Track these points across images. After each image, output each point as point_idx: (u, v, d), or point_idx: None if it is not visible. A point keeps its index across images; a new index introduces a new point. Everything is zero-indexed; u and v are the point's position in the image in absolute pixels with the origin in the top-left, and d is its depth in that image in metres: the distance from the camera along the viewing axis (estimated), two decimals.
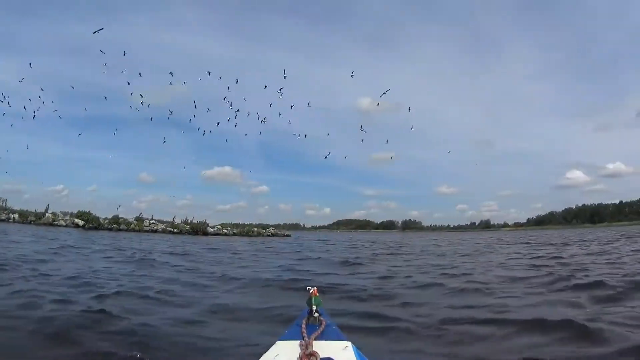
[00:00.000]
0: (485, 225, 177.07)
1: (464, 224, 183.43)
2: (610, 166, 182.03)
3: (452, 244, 31.47)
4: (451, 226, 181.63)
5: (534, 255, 15.99)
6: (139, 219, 42.52)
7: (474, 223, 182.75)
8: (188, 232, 41.42)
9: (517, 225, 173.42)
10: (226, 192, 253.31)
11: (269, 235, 49.23)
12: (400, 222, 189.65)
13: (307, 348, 1.70)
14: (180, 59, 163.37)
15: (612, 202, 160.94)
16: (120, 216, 41.69)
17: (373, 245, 29.74)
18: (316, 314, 2.16)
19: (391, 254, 19.08)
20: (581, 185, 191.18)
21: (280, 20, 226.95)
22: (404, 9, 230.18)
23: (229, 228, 47.19)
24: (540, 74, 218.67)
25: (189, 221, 45.14)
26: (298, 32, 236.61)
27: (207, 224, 45.33)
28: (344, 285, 8.01)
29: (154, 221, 43.65)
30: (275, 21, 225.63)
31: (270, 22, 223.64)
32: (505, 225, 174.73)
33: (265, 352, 1.80)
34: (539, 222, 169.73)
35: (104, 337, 4.13)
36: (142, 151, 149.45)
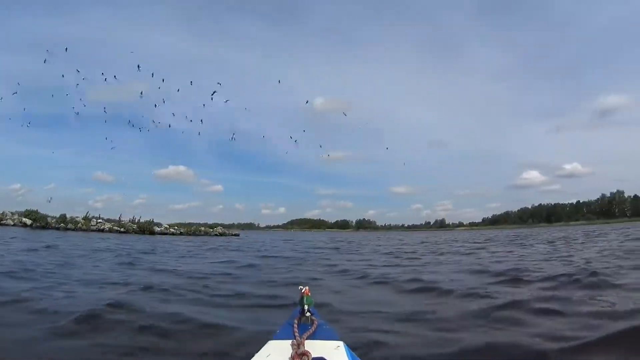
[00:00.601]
0: (440, 225, 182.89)
1: (419, 223, 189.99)
2: (568, 166, 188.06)
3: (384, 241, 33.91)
4: (406, 225, 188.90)
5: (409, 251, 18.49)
6: (86, 218, 43.98)
7: (429, 222, 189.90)
8: (135, 232, 43.20)
9: (472, 224, 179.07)
10: (180, 192, 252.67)
11: (216, 235, 51.33)
12: (354, 222, 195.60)
13: (299, 347, 1.74)
14: (136, 56, 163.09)
15: (569, 202, 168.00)
16: (68, 215, 43.09)
17: (307, 243, 30.72)
18: (308, 314, 2.21)
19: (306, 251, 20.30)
20: (537, 185, 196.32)
21: (238, 18, 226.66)
22: (361, 8, 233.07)
23: (175, 227, 49.31)
24: (499, 75, 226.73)
25: (137, 220, 46.92)
26: (255, 31, 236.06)
27: (154, 223, 47.43)
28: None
29: (101, 220, 45.16)
30: (233, 19, 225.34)
31: (227, 20, 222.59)
32: (461, 224, 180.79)
33: (257, 351, 1.83)
34: (494, 221, 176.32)
35: None
36: (97, 149, 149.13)
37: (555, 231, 54.19)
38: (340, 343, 1.91)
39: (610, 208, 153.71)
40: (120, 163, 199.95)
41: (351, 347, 1.94)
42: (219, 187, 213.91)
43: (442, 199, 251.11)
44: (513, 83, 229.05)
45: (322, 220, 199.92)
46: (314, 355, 1.66)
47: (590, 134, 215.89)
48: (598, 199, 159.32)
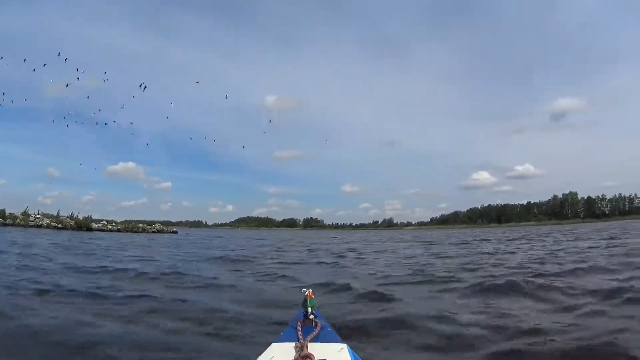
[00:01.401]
0: (388, 224, 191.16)
1: (367, 223, 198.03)
2: (519, 168, 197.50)
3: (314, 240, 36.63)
4: (353, 224, 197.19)
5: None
6: (25, 214, 46.66)
7: (377, 222, 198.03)
8: (72, 227, 45.75)
9: (421, 224, 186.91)
10: (130, 189, 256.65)
11: (154, 232, 54.49)
12: (302, 220, 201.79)
13: (302, 350, 1.81)
14: (90, 51, 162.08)
15: (520, 202, 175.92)
16: (8, 211, 45.77)
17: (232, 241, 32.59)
18: (312, 316, 2.29)
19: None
20: (488, 186, 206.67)
21: (192, 17, 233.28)
22: (315, 9, 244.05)
23: (113, 224, 52.52)
24: (451, 77, 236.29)
25: (75, 216, 49.72)
26: (208, 30, 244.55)
27: (92, 220, 50.71)
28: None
29: (39, 216, 47.66)
30: (187, 18, 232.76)
31: (181, 18, 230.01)
32: (409, 224, 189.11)
33: (260, 354, 1.89)
34: (443, 221, 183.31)
35: None
36: (49, 146, 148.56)
37: (487, 232, 57.16)
38: (344, 345, 1.97)
39: (562, 209, 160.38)
40: (72, 159, 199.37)
41: (355, 350, 2.01)
42: (167, 185, 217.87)
43: (391, 198, 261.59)
44: (465, 84, 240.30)
45: (270, 218, 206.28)
46: (317, 357, 1.74)
47: (543, 136, 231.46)
48: (549, 200, 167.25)
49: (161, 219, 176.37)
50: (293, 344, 1.92)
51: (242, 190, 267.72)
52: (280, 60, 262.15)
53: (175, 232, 58.46)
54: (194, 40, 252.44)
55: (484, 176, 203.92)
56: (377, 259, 14.27)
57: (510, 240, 26.10)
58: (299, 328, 2.10)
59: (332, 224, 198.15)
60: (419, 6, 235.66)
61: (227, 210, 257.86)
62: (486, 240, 27.94)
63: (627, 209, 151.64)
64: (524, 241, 23.52)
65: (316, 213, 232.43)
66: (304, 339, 1.94)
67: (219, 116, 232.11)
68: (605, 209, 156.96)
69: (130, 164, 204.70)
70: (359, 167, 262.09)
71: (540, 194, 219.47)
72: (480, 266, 10.62)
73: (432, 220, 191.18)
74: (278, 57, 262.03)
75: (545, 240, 23.19)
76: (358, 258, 15.11)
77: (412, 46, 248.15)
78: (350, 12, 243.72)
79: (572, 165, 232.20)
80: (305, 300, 2.36)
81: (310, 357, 1.72)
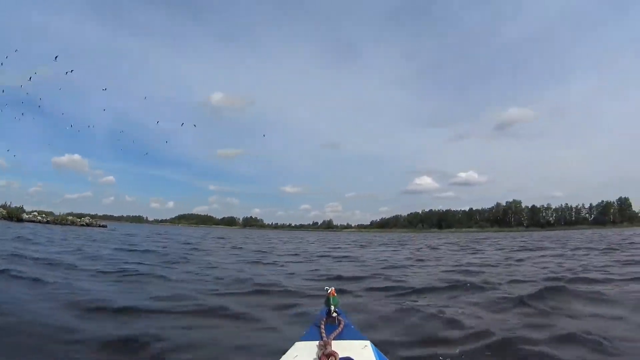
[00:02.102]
0: (327, 226, 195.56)
1: (307, 224, 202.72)
2: (463, 174, 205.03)
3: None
4: (293, 225, 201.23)
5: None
6: None
7: (317, 223, 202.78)
8: (4, 217, 48.35)
9: (360, 227, 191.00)
10: (75, 181, 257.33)
11: (82, 225, 57.11)
12: (241, 219, 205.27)
13: (325, 348, 1.83)
14: (41, 41, 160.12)
15: (462, 209, 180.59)
16: None
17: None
18: (335, 314, 2.34)
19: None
20: (430, 192, 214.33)
21: (141, 7, 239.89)
22: (271, 8, 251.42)
23: (43, 215, 55.66)
24: (399, 81, 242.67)
25: (7, 205, 52.75)
26: (163, 23, 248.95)
27: (24, 210, 53.97)
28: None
29: None
30: (142, 9, 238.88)
31: (136, 9, 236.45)
32: (348, 226, 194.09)
33: (284, 352, 1.92)
34: (383, 225, 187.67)
35: None
36: None
37: (422, 237, 60.55)
38: (368, 342, 2.00)
39: (506, 217, 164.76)
40: (20, 150, 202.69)
41: (378, 346, 2.04)
42: (111, 178, 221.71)
43: (332, 200, 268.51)
44: (413, 90, 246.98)
45: (210, 216, 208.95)
46: (341, 355, 1.76)
47: (488, 145, 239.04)
48: (493, 207, 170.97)
49: (103, 213, 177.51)
50: (316, 342, 1.97)
51: (184, 187, 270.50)
52: (231, 57, 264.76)
53: (105, 227, 59.66)
54: (147, 32, 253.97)
55: (426, 181, 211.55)
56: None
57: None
58: (322, 326, 2.15)
59: (272, 223, 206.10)
60: (373, 10, 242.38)
61: (168, 207, 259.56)
62: (402, 244, 29.76)
63: (573, 219, 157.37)
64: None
65: (256, 212, 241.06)
66: (327, 337, 1.98)
67: (166, 111, 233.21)
68: (550, 219, 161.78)
69: (76, 156, 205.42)
70: (302, 168, 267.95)
71: (484, 202, 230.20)
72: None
73: (372, 223, 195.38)
74: (229, 54, 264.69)
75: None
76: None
77: (363, 49, 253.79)
78: (305, 12, 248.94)
79: (518, 174, 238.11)
80: (328, 298, 2.44)
81: (333, 355, 1.75)
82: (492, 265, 12.51)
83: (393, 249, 24.37)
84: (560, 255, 16.04)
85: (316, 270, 11.39)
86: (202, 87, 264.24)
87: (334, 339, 1.97)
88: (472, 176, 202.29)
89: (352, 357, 1.81)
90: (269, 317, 5.32)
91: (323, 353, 1.77)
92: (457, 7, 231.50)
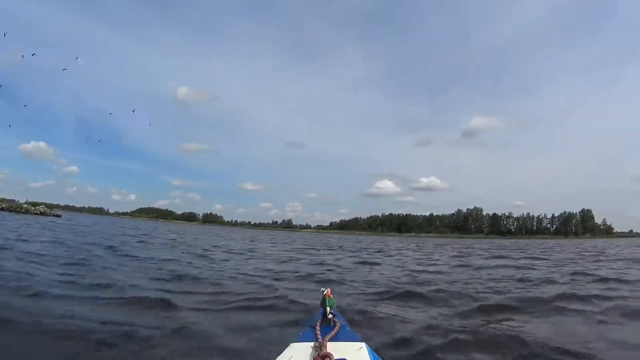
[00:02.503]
0: (287, 225, 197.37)
1: (266, 222, 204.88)
2: (425, 180, 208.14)
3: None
4: (252, 223, 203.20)
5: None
6: None
7: (277, 222, 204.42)
8: None
9: (319, 227, 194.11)
10: (40, 169, 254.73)
11: (36, 214, 58.76)
12: (201, 215, 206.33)
13: (321, 349, 1.88)
14: (7, 26, 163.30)
15: (423, 214, 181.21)
16: None
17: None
18: (330, 315, 2.40)
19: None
20: (391, 195, 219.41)
21: None
22: (232, 4, 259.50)
23: None
24: (368, 85, 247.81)
25: None
26: (127, 12, 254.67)
27: None
28: None
29: None
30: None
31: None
32: (308, 226, 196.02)
33: (279, 354, 1.96)
34: (342, 226, 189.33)
35: None
36: None
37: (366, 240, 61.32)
38: (363, 344, 2.04)
39: (466, 224, 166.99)
40: None
41: (374, 348, 2.08)
42: (74, 168, 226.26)
43: (292, 200, 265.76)
44: (380, 93, 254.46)
45: (170, 211, 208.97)
46: (336, 356, 1.79)
47: (452, 152, 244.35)
48: (453, 213, 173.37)
49: (65, 203, 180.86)
50: (312, 343, 2.01)
51: (147, 180, 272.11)
52: (198, 52, 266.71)
53: (59, 216, 61.14)
54: (117, 23, 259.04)
55: (388, 185, 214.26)
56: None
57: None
58: (318, 328, 2.21)
59: (232, 220, 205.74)
60: (342, 12, 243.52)
61: (129, 199, 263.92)
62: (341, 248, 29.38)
63: (534, 228, 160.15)
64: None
65: (216, 209, 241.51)
66: (323, 338, 2.03)
67: (132, 103, 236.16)
68: (512, 227, 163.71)
69: (42, 144, 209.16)
70: (264, 166, 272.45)
71: (445, 208, 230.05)
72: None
73: (331, 224, 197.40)
74: (196, 49, 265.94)
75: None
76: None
77: (331, 51, 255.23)
78: (274, 12, 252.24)
79: (482, 182, 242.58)
80: (324, 299, 2.48)
81: (329, 356, 1.78)
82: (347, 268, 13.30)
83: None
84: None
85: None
86: (168, 81, 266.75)
87: (329, 341, 2.04)
88: (434, 182, 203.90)
89: (347, 358, 1.86)
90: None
91: (318, 354, 1.82)
92: (427, 13, 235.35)
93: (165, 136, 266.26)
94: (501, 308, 6.39)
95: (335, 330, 2.22)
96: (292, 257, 17.07)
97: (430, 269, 13.62)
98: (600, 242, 60.40)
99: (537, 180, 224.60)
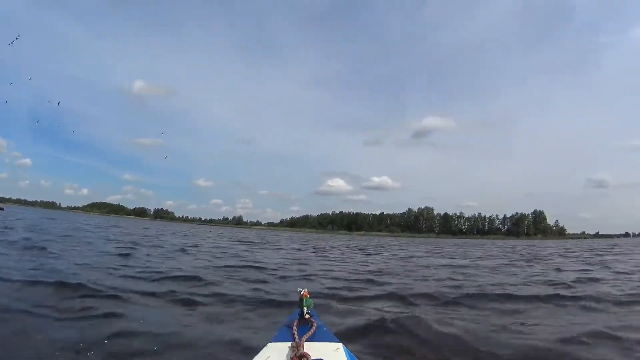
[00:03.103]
0: (237, 222, 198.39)
1: (217, 219, 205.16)
2: (376, 179, 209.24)
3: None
4: (203, 219, 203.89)
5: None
6: None
7: (227, 218, 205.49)
8: None
9: (270, 225, 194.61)
10: None
11: None
12: (152, 211, 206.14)
13: (298, 349, 1.87)
14: None
15: (373, 212, 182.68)
16: None
17: None
18: (307, 316, 2.38)
19: None
20: (342, 194, 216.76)
21: None
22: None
23: None
24: (322, 83, 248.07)
25: None
26: (88, 5, 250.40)
27: None
28: None
29: None
30: None
31: None
32: (258, 223, 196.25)
33: (256, 353, 1.94)
34: (292, 224, 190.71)
35: None
36: None
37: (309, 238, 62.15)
38: (340, 345, 2.04)
39: (417, 223, 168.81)
40: None
41: (350, 349, 2.09)
42: (27, 161, 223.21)
43: (243, 197, 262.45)
44: (333, 91, 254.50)
45: (122, 206, 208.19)
46: (313, 357, 1.79)
47: (405, 151, 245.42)
48: (404, 212, 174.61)
49: (17, 196, 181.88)
50: (289, 343, 2.01)
51: (100, 175, 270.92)
52: (154, 46, 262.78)
53: (1, 209, 61.03)
54: (74, 14, 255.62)
55: (339, 183, 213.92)
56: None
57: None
58: (295, 327, 2.20)
59: (183, 216, 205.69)
60: (300, 11, 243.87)
61: (82, 194, 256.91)
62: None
63: (486, 228, 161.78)
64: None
65: (168, 204, 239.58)
66: (300, 338, 2.02)
67: (87, 95, 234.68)
68: (463, 227, 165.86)
69: None
70: (217, 162, 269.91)
71: (397, 207, 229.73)
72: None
73: (281, 221, 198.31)
74: (153, 42, 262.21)
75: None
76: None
77: (287, 49, 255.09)
78: (231, 7, 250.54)
79: (434, 182, 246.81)
80: (301, 299, 2.45)
81: (306, 357, 1.78)
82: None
83: None
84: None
85: None
86: (124, 73, 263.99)
87: (306, 341, 2.03)
88: (385, 181, 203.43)
89: (324, 358, 1.86)
90: None
91: (295, 355, 1.82)
92: (382, 14, 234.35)
93: (119, 130, 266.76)
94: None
95: (312, 330, 2.23)
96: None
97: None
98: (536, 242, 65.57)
99: (490, 181, 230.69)
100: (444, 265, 14.77)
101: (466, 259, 19.20)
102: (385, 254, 22.07)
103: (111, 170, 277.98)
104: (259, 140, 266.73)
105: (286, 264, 12.91)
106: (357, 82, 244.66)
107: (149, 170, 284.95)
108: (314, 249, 24.86)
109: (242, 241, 29.68)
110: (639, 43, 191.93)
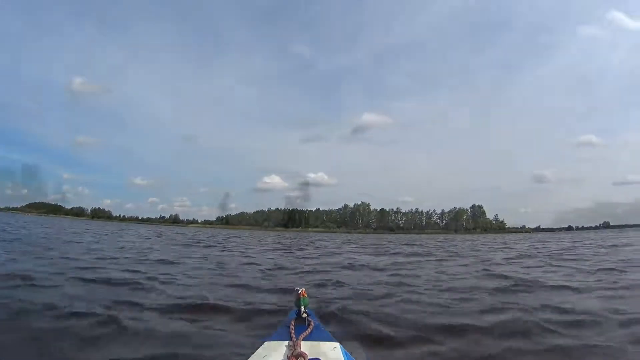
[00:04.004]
0: (174, 220, 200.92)
1: (154, 217, 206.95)
2: (312, 175, 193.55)
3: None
4: (140, 218, 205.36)
5: None
6: None
7: (164, 217, 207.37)
8: None
9: (206, 222, 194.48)
10: None
11: None
12: (89, 210, 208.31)
13: (295, 348, 1.89)
14: None
15: (309, 209, 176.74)
16: None
17: None
18: (304, 315, 2.41)
19: None
20: (279, 190, 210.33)
21: None
22: None
23: None
24: (260, 81, 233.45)
25: None
26: None
27: None
28: None
29: None
30: None
31: None
32: (195, 221, 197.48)
33: (252, 352, 1.95)
34: (228, 221, 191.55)
35: None
36: None
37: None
38: (337, 344, 2.06)
39: (354, 219, 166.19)
40: None
41: (347, 348, 2.09)
42: None
43: (180, 194, 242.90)
44: (273, 89, 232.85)
45: (60, 205, 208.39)
46: (310, 356, 1.82)
47: (341, 148, 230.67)
48: (340, 208, 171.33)
49: None
50: (286, 342, 2.03)
51: (38, 174, 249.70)
52: (94, 41, 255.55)
53: None
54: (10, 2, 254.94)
55: (276, 180, 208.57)
56: None
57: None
58: (292, 326, 2.22)
59: (120, 215, 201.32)
60: (242, 9, 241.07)
61: (21, 194, 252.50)
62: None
63: (424, 223, 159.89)
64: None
65: (106, 204, 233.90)
66: (297, 338, 2.04)
67: (25, 91, 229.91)
68: (400, 222, 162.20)
69: None
70: (155, 160, 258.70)
71: (333, 203, 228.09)
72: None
73: (218, 219, 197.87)
74: (93, 37, 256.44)
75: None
76: None
77: (232, 46, 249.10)
78: (178, 6, 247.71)
79: (371, 178, 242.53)
80: (299, 298, 2.49)
81: (303, 356, 1.80)
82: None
83: None
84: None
85: None
86: (63, 70, 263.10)
87: (303, 340, 2.05)
88: (322, 177, 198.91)
89: (321, 358, 1.88)
90: None
91: (292, 354, 1.84)
92: (323, 11, 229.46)
93: (57, 127, 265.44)
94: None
95: (310, 329, 2.25)
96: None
97: None
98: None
99: (427, 177, 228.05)
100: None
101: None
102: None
103: (50, 168, 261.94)
104: (198, 137, 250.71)
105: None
106: (299, 79, 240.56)
107: (88, 169, 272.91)
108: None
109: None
110: (583, 41, 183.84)
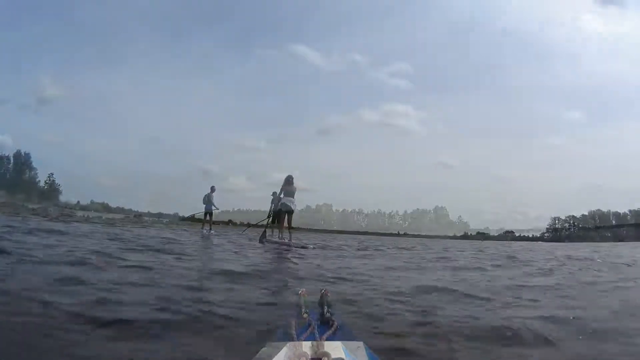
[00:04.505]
0: (139, 221, 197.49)
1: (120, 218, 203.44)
2: (277, 175, 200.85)
3: None
4: (103, 218, 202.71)
5: None
6: None
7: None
8: None
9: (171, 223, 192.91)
10: None
11: None
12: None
13: (318, 348, 1.79)
14: None
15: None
16: None
17: None
18: (328, 314, 2.33)
19: None
20: (242, 191, 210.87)
21: None
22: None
23: None
24: (226, 83, 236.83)
25: None
26: None
27: None
28: None
29: None
30: None
31: None
32: (160, 222, 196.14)
33: (276, 352, 1.82)
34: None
35: None
36: None
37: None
38: (361, 344, 1.92)
39: (317, 220, 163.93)
40: None
41: (371, 347, 1.98)
42: None
43: (144, 194, 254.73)
44: (238, 91, 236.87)
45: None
46: (333, 356, 1.68)
47: (311, 148, 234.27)
48: (302, 209, 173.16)
49: None
50: (310, 342, 1.88)
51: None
52: (62, 42, 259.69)
53: None
54: None
55: (240, 181, 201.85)
56: None
57: None
58: (316, 326, 2.08)
59: (85, 216, 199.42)
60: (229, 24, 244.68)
61: None
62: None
63: (387, 224, 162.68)
64: None
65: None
66: (320, 337, 1.90)
67: None
68: (362, 223, 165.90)
69: None
70: (118, 160, 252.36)
71: (298, 204, 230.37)
72: None
73: (181, 219, 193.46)
74: (60, 39, 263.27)
75: None
76: None
77: (207, 59, 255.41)
78: (153, 16, 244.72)
79: (334, 180, 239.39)
80: (322, 298, 2.45)
81: (326, 355, 1.66)
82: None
83: None
84: None
85: None
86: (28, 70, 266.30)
87: (326, 339, 1.90)
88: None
89: (344, 357, 1.73)
90: None
91: (316, 353, 1.72)
92: (295, 17, 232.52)
93: (23, 127, 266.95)
94: None
95: (333, 329, 2.14)
96: None
97: None
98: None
99: (389, 178, 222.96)
100: None
101: None
102: None
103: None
104: (165, 137, 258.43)
105: None
106: (263, 82, 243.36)
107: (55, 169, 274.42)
108: None
109: None
110: None
